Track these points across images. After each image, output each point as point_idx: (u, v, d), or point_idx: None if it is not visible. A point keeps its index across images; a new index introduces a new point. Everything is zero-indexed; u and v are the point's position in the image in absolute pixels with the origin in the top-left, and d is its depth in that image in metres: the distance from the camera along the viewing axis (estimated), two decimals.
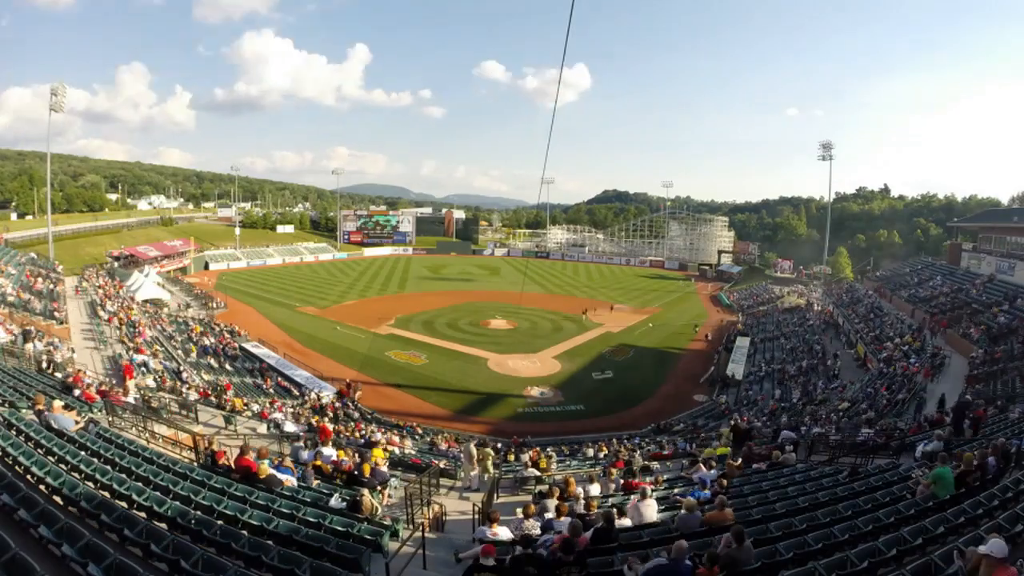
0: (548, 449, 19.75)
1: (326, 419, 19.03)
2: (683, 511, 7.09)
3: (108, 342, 23.95)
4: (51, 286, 30.61)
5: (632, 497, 8.72)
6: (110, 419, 11.97)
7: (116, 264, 51.75)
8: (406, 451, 16.48)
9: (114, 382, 17.40)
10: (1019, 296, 27.78)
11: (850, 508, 7.13)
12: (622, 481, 11.39)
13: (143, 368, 21.00)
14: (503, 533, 7.14)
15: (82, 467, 7.14)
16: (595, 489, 10.06)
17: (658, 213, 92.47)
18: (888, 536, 5.80)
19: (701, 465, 11.46)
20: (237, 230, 77.82)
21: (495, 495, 12.55)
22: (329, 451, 11.20)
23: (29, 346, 18.20)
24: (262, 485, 7.79)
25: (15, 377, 13.44)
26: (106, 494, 6.33)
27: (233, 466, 8.53)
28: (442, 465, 14.76)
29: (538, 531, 7.16)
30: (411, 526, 8.03)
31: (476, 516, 9.63)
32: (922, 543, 5.64)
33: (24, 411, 9.87)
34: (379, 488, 9.62)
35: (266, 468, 8.20)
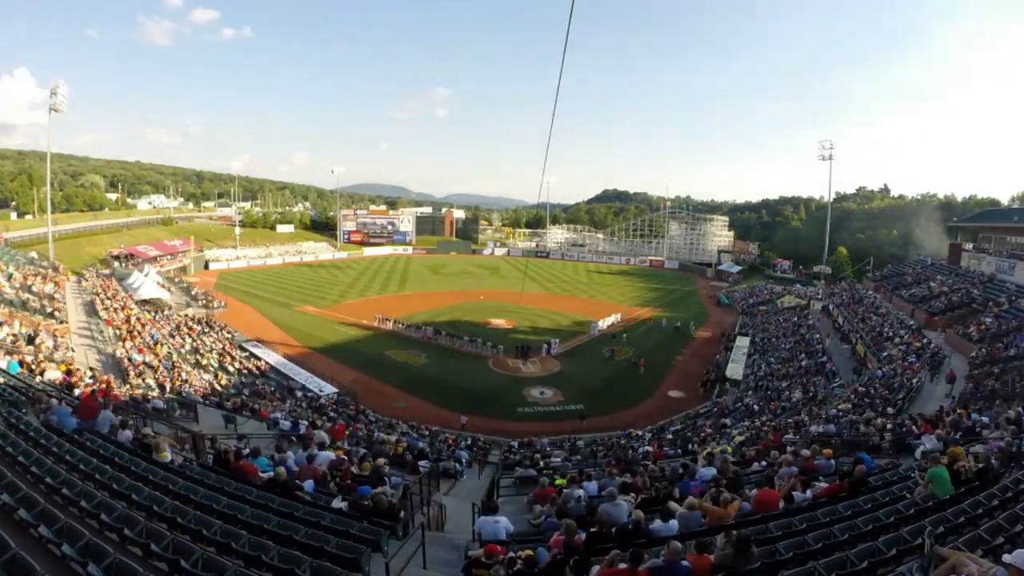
0: (548, 447, 19.81)
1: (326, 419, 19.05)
2: (684, 510, 7.09)
3: (107, 341, 23.97)
4: (51, 286, 30.58)
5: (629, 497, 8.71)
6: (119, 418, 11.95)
7: (116, 264, 51.76)
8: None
9: (115, 380, 17.39)
10: (1019, 296, 27.81)
11: (850, 508, 7.12)
12: (619, 480, 11.37)
13: (144, 367, 21.02)
14: (504, 523, 7.16)
15: (82, 467, 7.14)
16: (592, 488, 10.05)
17: (658, 213, 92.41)
18: (888, 536, 5.80)
19: (700, 461, 11.47)
20: (237, 230, 77.75)
21: (496, 491, 12.57)
22: (327, 452, 11.20)
23: (29, 347, 18.19)
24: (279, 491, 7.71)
25: (15, 377, 13.43)
26: (106, 493, 6.33)
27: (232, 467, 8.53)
28: (442, 465, 14.77)
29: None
30: (411, 526, 8.03)
31: (476, 515, 9.65)
32: (922, 543, 5.63)
33: (24, 411, 9.86)
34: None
35: (282, 472, 8.15)
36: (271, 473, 8.26)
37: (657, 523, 6.56)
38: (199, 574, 4.75)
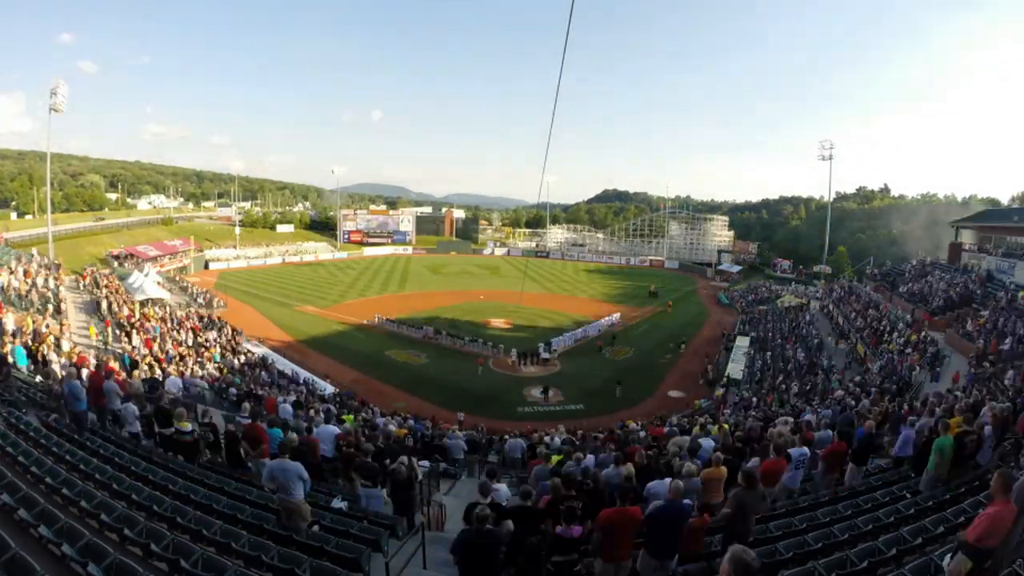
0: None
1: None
2: (684, 476, 7.03)
3: (106, 341, 23.95)
4: (51, 286, 30.55)
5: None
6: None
7: (116, 263, 51.77)
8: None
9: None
10: (1019, 295, 27.78)
11: (850, 508, 7.13)
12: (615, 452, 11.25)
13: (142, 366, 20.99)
14: (502, 490, 7.19)
15: (82, 467, 7.14)
16: (591, 461, 9.97)
17: (658, 213, 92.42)
18: (888, 536, 5.81)
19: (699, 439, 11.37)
20: (237, 229, 77.78)
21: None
22: (332, 427, 11.13)
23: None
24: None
25: (16, 376, 13.41)
26: (106, 493, 6.34)
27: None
28: (442, 465, 14.74)
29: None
30: (412, 525, 8.02)
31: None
32: (922, 543, 5.64)
33: (24, 411, 9.86)
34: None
35: (294, 438, 8.03)
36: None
37: (655, 482, 6.48)
38: (199, 574, 4.76)
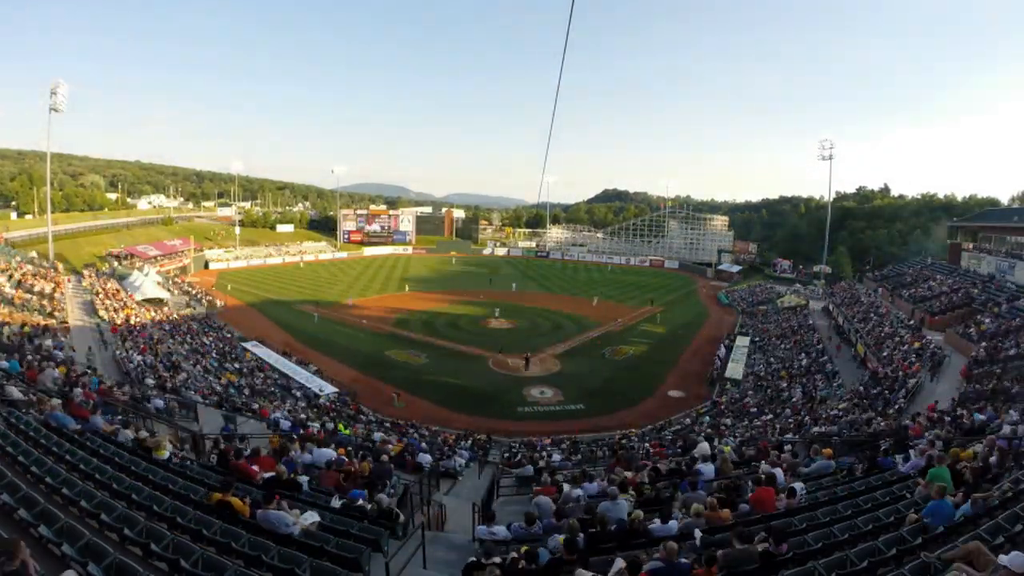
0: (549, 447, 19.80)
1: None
2: (691, 518, 7.07)
3: (107, 342, 23.97)
4: (51, 286, 30.60)
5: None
6: (109, 417, 11.93)
7: (116, 263, 51.77)
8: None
9: (115, 380, 17.38)
10: (1019, 296, 27.80)
11: (850, 508, 7.13)
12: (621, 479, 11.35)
13: (143, 367, 21.00)
14: (501, 532, 7.15)
15: (82, 467, 7.14)
16: (592, 488, 10.03)
17: (658, 213, 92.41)
18: (888, 536, 5.81)
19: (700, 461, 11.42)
20: (237, 229, 77.81)
21: (495, 494, 12.56)
22: (328, 451, 11.17)
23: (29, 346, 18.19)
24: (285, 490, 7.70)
25: (15, 376, 13.40)
26: (106, 493, 6.33)
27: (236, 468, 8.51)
28: (442, 465, 14.76)
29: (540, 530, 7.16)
30: (411, 525, 8.03)
31: (476, 515, 9.65)
32: (922, 543, 5.64)
33: (24, 411, 9.85)
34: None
35: (283, 470, 8.14)
36: (271, 473, 8.25)
37: (656, 523, 6.55)
38: (199, 574, 4.76)
